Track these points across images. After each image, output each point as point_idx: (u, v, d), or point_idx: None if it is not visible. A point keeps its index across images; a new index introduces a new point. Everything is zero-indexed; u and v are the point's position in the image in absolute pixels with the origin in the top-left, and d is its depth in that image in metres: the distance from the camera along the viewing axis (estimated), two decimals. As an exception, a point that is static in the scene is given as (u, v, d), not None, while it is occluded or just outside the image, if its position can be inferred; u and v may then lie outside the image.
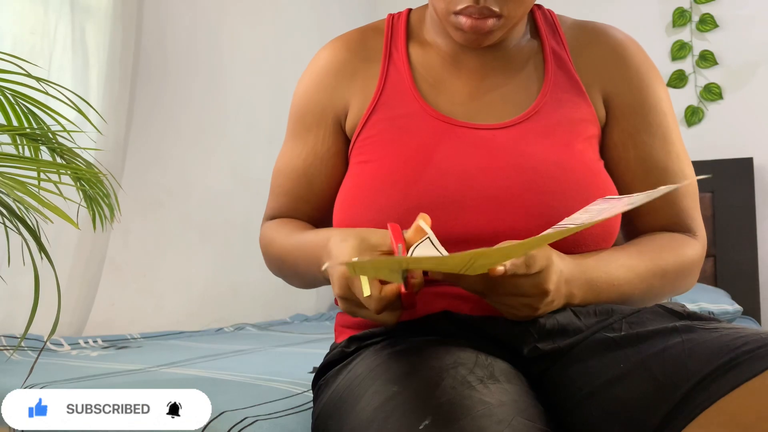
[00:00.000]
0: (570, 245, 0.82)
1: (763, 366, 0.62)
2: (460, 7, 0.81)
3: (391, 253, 0.72)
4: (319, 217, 1.00)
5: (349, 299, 0.72)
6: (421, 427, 0.59)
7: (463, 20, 0.82)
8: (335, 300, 0.92)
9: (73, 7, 1.80)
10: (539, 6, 0.97)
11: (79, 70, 1.81)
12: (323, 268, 0.67)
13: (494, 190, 0.83)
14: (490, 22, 0.82)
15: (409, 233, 0.73)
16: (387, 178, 0.85)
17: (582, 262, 0.80)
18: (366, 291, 0.68)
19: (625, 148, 0.91)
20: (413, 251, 0.69)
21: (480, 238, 0.82)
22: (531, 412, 0.65)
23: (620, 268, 0.82)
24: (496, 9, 0.81)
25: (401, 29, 0.96)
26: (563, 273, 0.76)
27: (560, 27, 0.95)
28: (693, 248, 0.90)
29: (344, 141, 0.96)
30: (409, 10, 0.99)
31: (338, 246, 0.75)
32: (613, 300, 0.82)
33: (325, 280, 0.86)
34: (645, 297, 0.85)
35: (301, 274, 0.93)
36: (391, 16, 0.99)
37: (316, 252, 0.84)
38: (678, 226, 0.91)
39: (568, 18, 0.98)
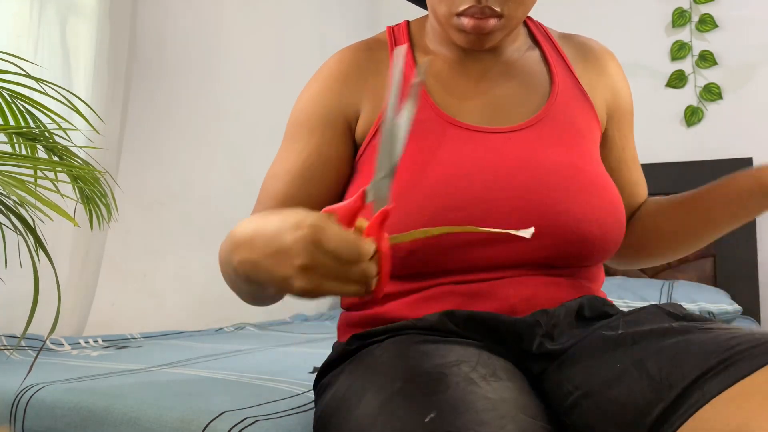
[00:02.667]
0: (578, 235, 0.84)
1: (756, 365, 0.63)
2: (462, 8, 0.82)
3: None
4: None
5: (316, 263, 0.57)
6: (426, 420, 0.59)
7: (465, 21, 0.83)
8: (340, 301, 0.90)
9: (59, 6, 1.79)
10: (530, 18, 1.01)
11: (61, 69, 1.79)
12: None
13: (520, 190, 0.84)
14: (492, 21, 0.84)
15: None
16: (409, 179, 0.84)
17: None
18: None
19: (622, 148, 1.01)
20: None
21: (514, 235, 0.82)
22: (532, 409, 0.66)
23: None
24: (497, 9, 0.82)
25: (404, 39, 0.97)
26: None
27: (554, 37, 0.99)
28: None
29: (352, 148, 0.93)
30: (407, 22, 1.00)
31: (274, 221, 0.61)
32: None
33: (246, 284, 0.70)
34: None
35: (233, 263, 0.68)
36: (391, 28, 0.99)
37: (226, 251, 0.69)
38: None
39: (555, 30, 1.02)
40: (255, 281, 0.65)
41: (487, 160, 0.85)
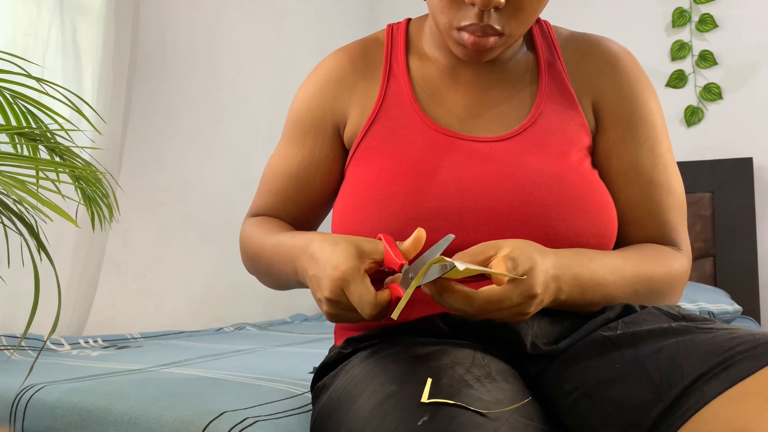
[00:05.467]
0: None
1: (756, 366, 0.63)
2: (463, 23, 0.81)
3: (381, 262, 0.74)
4: (305, 219, 1.01)
5: (339, 302, 0.72)
6: (419, 423, 0.59)
7: (465, 36, 0.82)
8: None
9: (66, 6, 1.79)
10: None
11: (72, 69, 1.80)
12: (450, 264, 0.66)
13: (493, 202, 0.83)
14: (492, 39, 0.82)
15: (406, 244, 0.74)
16: (386, 188, 0.85)
17: (565, 256, 0.77)
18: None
19: (608, 157, 0.91)
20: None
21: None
22: (528, 410, 0.65)
23: (605, 267, 0.80)
24: (498, 27, 0.81)
25: (401, 41, 0.97)
26: (549, 271, 0.73)
27: (556, 39, 0.96)
28: (679, 261, 0.89)
29: (342, 150, 0.97)
30: (408, 21, 1.00)
31: (328, 250, 0.75)
32: (598, 300, 0.80)
33: (297, 284, 0.87)
34: (630, 302, 0.83)
35: (274, 274, 0.93)
36: (391, 27, 0.99)
37: (292, 254, 0.84)
38: (663, 239, 0.90)
39: (565, 30, 0.98)
40: (303, 284, 0.84)
41: (465, 170, 0.85)
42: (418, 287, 0.70)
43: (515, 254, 0.70)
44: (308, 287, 0.81)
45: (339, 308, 0.73)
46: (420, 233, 0.74)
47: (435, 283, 0.70)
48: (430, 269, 0.67)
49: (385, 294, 0.71)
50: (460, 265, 0.65)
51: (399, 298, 0.72)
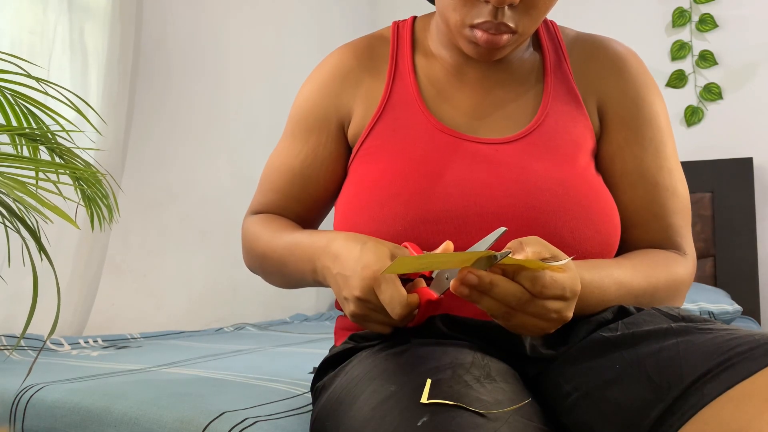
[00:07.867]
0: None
1: (755, 367, 0.62)
2: (477, 21, 0.81)
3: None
4: (308, 217, 1.00)
5: (368, 302, 0.72)
6: (419, 424, 0.59)
7: (479, 34, 0.82)
8: (335, 303, 0.92)
9: (72, 6, 1.80)
10: None
11: (78, 70, 1.81)
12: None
13: (497, 207, 0.82)
14: (505, 37, 0.82)
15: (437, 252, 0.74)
16: (389, 189, 0.85)
17: (577, 266, 0.76)
18: (399, 299, 0.70)
19: (612, 159, 0.91)
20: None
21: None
22: (528, 410, 0.65)
23: (613, 284, 0.80)
24: (512, 25, 0.81)
25: (407, 38, 0.96)
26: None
27: (562, 39, 0.95)
28: (684, 267, 0.88)
29: (345, 147, 0.96)
30: (414, 18, 0.99)
31: (356, 249, 0.74)
32: (598, 310, 0.80)
33: (314, 282, 0.87)
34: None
35: (287, 273, 0.92)
36: (396, 24, 0.98)
37: (312, 253, 0.83)
38: (667, 242, 0.90)
39: (571, 30, 0.98)
40: (322, 283, 0.83)
41: (470, 173, 0.84)
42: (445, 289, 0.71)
43: (554, 250, 0.69)
44: (328, 286, 0.81)
45: (366, 308, 0.73)
46: (448, 245, 0.74)
47: (489, 270, 0.66)
48: (474, 264, 0.65)
49: (414, 297, 0.71)
50: (517, 256, 0.65)
51: (429, 301, 0.71)
